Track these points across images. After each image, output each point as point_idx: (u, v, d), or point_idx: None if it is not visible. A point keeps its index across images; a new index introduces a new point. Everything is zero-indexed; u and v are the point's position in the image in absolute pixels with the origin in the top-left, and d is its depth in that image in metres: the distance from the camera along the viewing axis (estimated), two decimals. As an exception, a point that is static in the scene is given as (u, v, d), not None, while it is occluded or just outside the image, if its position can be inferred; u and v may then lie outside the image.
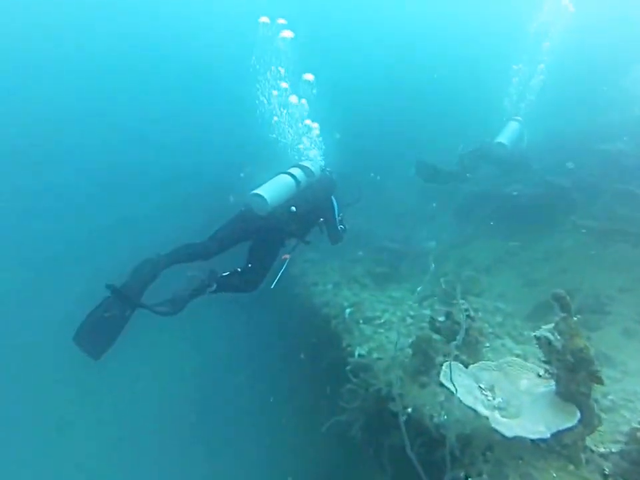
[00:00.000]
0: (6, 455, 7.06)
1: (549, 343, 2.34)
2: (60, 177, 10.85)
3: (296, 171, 4.93)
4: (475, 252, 7.19)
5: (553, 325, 2.41)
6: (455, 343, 2.53)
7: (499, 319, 4.81)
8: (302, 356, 6.12)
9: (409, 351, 3.76)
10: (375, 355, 4.29)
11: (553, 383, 2.49)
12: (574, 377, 2.28)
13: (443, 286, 5.74)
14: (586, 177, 6.84)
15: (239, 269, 4.44)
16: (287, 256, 4.88)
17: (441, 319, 3.60)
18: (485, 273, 6.47)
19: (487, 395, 2.81)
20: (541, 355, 4.02)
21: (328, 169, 5.69)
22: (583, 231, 5.79)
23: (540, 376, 2.55)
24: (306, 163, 5.23)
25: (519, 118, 7.60)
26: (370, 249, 7.67)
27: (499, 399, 2.77)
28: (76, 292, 7.44)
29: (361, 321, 5.11)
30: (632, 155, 6.49)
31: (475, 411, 2.46)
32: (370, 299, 5.76)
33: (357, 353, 4.45)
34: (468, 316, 3.48)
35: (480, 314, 4.45)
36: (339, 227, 5.53)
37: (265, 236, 4.61)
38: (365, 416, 4.17)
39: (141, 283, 3.70)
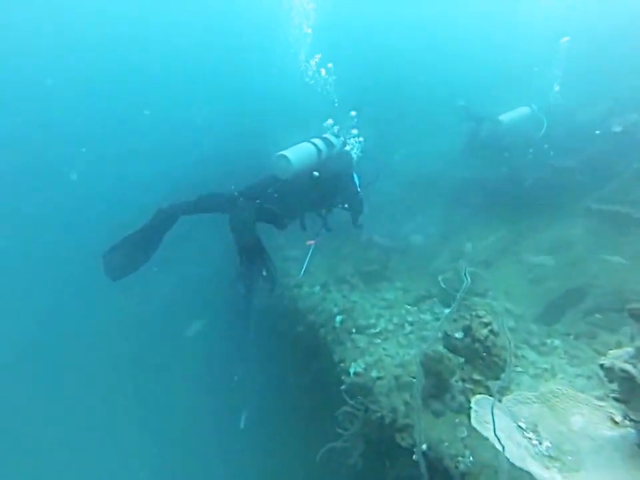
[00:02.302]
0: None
1: (631, 378, 1.69)
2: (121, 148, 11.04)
3: (317, 141, 4.97)
4: (470, 243, 6.59)
5: (631, 350, 1.77)
6: (499, 383, 1.85)
7: (511, 323, 4.20)
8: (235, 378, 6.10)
9: (413, 368, 3.14)
10: (374, 374, 3.64)
11: (629, 429, 1.86)
12: (668, 427, 1.65)
13: (443, 285, 5.15)
14: (598, 156, 6.20)
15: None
16: (312, 242, 4.90)
17: (458, 335, 2.93)
18: (484, 268, 5.88)
19: (530, 439, 2.18)
20: (568, 366, 3.50)
21: (346, 147, 5.62)
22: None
23: (617, 423, 1.90)
24: (326, 135, 5.23)
25: (533, 105, 7.47)
26: (356, 244, 6.98)
27: (546, 443, 2.14)
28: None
29: (354, 330, 4.46)
30: None
31: (529, 474, 1.80)
32: (361, 303, 5.10)
33: (352, 371, 3.79)
34: (491, 331, 2.84)
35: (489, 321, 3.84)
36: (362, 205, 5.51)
37: (287, 201, 4.55)
38: (365, 443, 3.58)
39: (163, 227, 4.01)
